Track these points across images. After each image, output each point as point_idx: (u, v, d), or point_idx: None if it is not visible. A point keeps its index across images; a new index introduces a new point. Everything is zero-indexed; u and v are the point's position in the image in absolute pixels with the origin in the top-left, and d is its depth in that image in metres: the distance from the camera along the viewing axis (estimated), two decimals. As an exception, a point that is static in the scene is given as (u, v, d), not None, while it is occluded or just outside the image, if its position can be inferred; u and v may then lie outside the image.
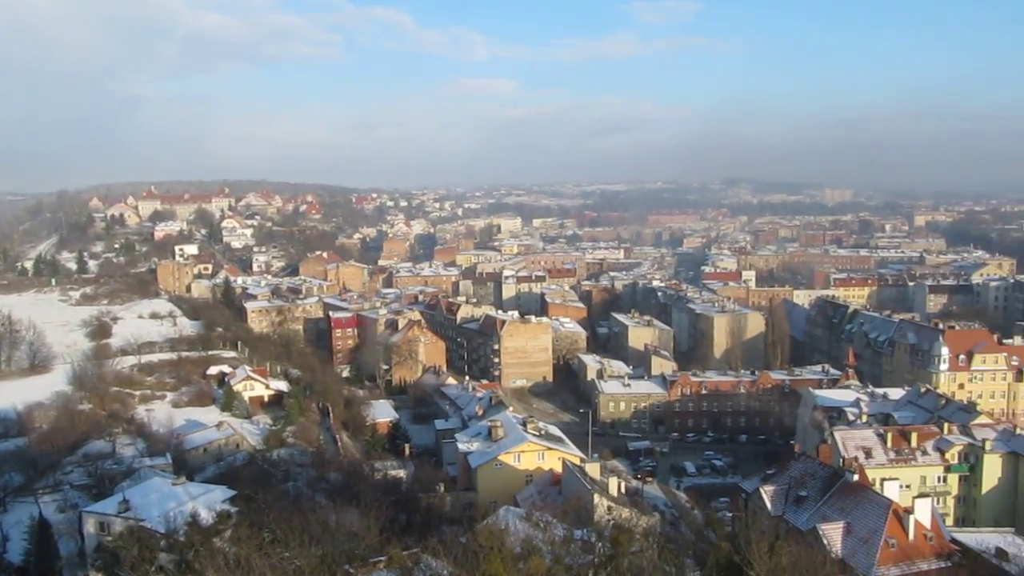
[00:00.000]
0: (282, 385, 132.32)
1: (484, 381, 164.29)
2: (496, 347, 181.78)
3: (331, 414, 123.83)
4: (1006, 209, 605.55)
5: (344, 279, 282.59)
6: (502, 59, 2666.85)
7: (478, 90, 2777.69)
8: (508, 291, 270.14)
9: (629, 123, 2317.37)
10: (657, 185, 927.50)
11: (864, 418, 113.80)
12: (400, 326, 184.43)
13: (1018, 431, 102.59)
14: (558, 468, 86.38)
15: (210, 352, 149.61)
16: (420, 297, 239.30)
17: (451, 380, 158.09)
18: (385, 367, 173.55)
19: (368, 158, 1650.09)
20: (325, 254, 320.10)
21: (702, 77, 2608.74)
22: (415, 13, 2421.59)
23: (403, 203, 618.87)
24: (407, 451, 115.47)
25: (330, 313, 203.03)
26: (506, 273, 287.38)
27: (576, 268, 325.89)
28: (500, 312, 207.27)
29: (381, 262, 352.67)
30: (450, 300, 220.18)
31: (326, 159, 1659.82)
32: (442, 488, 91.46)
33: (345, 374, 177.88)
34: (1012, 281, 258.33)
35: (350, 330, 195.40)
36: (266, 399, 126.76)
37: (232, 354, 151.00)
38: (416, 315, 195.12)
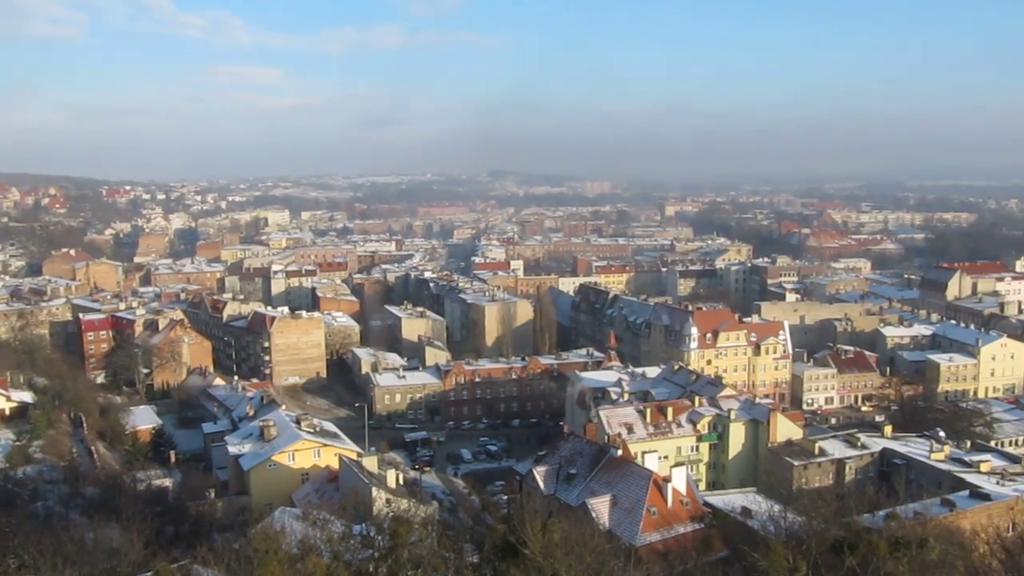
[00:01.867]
0: (26, 396, 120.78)
1: (255, 380, 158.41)
2: (266, 344, 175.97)
3: (85, 424, 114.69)
4: (743, 200, 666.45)
5: (95, 278, 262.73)
6: (266, 47, 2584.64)
7: (241, 78, 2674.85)
8: (277, 286, 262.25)
9: (399, 115, 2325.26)
10: (427, 177, 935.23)
11: (626, 396, 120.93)
12: (161, 327, 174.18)
13: (757, 400, 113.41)
14: (335, 464, 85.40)
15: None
16: (182, 295, 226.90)
17: (219, 381, 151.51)
18: (145, 371, 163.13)
19: (119, 148, 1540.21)
20: (72, 251, 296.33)
21: (470, 71, 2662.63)
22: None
23: (160, 196, 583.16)
24: (173, 458, 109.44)
25: (80, 315, 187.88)
26: (275, 268, 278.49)
27: (347, 261, 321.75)
28: (269, 308, 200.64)
29: (137, 259, 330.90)
30: (215, 298, 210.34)
31: (71, 148, 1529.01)
32: (213, 494, 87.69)
33: (100, 380, 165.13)
34: (749, 265, 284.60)
35: (104, 333, 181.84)
36: (8, 412, 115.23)
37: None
38: (178, 314, 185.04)
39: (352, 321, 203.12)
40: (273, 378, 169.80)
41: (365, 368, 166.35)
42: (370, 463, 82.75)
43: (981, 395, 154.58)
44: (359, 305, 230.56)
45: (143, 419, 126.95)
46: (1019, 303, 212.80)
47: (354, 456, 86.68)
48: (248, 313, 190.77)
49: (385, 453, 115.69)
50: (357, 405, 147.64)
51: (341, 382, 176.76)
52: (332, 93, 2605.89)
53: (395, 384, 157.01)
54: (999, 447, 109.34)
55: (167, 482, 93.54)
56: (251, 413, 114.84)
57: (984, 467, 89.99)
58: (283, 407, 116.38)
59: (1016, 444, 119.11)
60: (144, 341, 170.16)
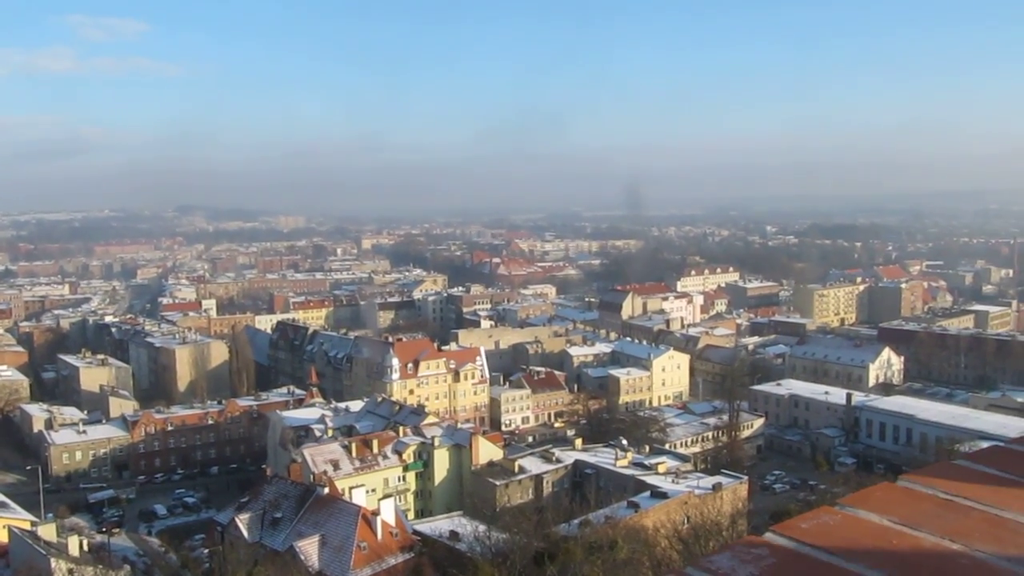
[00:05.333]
0: None
1: None
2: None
3: None
4: (437, 232, 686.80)
5: None
6: None
7: None
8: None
9: (69, 147, 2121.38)
10: (104, 214, 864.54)
11: (330, 432, 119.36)
12: None
13: (459, 425, 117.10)
14: (3, 538, 76.05)
15: None
16: None
17: None
18: None
19: None
20: None
21: (151, 101, 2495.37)
22: None
23: None
24: None
25: None
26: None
27: (12, 308, 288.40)
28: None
29: None
30: None
31: None
32: None
33: None
34: (445, 295, 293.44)
35: None
36: None
37: None
38: None
39: (20, 374, 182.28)
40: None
41: (37, 425, 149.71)
42: (47, 531, 74.65)
43: (655, 403, 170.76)
44: (27, 356, 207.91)
45: None
46: (681, 319, 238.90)
47: (27, 526, 77.74)
48: None
49: (65, 518, 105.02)
50: (29, 468, 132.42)
51: (8, 443, 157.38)
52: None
53: (74, 440, 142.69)
54: (672, 449, 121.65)
55: None
56: None
57: (661, 468, 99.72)
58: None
59: (686, 445, 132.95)
60: None
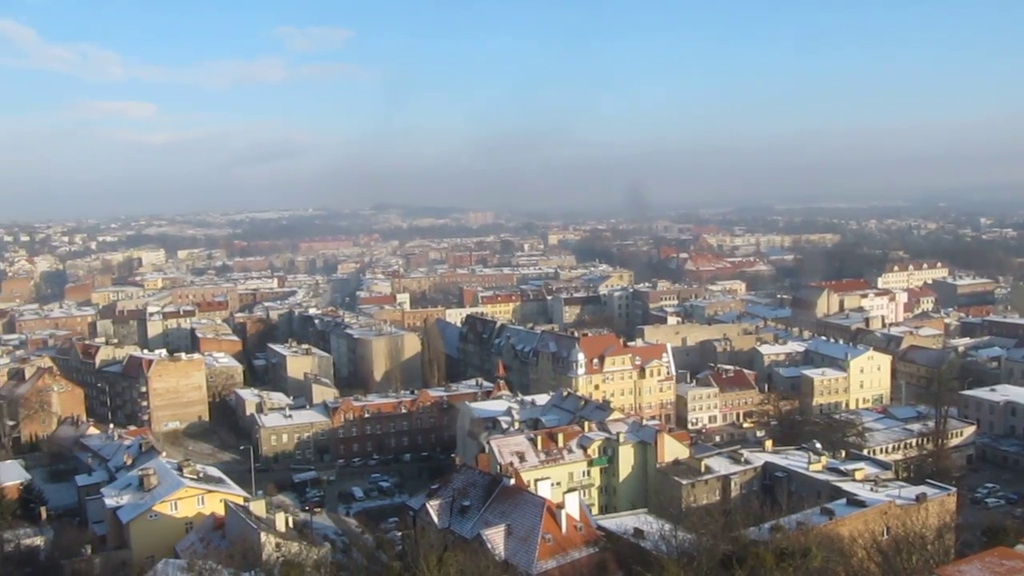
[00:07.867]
0: None
1: (132, 427, 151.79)
2: (144, 389, 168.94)
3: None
4: (622, 227, 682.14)
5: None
6: (141, 81, 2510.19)
7: (112, 114, 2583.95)
8: (154, 329, 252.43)
9: (279, 150, 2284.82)
10: (308, 212, 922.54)
11: (516, 425, 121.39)
12: (27, 375, 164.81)
13: (644, 422, 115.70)
14: (220, 511, 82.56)
15: None
16: (51, 341, 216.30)
17: (93, 430, 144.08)
18: (11, 423, 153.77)
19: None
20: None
21: (353, 104, 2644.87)
22: (39, 27, 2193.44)
23: (24, 237, 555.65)
24: (43, 514, 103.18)
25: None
26: (151, 310, 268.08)
27: (228, 300, 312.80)
28: (146, 352, 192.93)
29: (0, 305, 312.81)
30: (87, 343, 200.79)
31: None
32: (89, 550, 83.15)
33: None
34: (631, 290, 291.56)
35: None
36: None
37: None
38: (46, 362, 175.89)
39: (234, 361, 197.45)
40: (152, 424, 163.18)
41: (250, 409, 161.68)
42: (258, 507, 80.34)
43: (852, 406, 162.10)
44: (241, 345, 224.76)
45: (9, 474, 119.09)
46: (882, 317, 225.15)
47: (240, 501, 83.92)
48: (123, 357, 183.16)
49: (273, 496, 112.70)
50: (242, 448, 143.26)
51: (225, 425, 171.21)
52: (210, 127, 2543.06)
53: (281, 424, 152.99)
54: (871, 455, 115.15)
55: (38, 540, 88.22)
56: (129, 462, 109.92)
57: (858, 475, 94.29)
58: (163, 454, 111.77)
59: (886, 452, 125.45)
60: (9, 392, 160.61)
